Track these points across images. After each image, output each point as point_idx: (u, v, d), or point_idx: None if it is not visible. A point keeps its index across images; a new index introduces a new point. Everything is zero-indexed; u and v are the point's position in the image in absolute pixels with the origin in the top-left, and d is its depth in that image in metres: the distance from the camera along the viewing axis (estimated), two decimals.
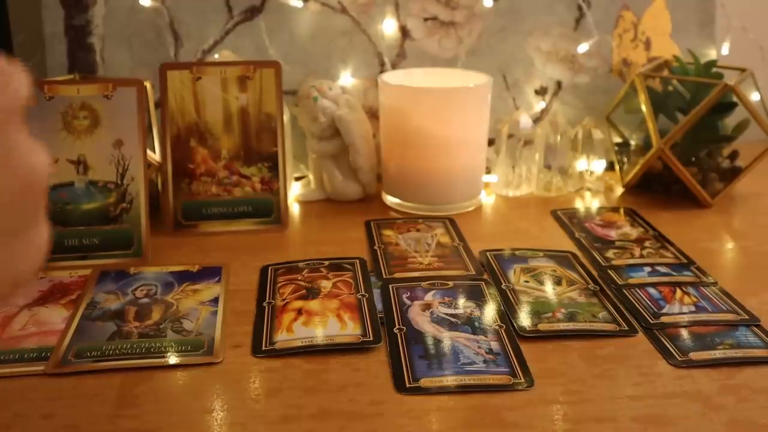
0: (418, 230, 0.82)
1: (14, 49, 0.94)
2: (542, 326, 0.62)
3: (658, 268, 0.73)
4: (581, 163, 0.94)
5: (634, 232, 0.82)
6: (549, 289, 0.68)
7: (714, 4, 1.04)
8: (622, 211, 0.88)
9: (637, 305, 0.66)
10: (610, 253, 0.76)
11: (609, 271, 0.73)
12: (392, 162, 0.88)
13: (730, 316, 0.64)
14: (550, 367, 0.57)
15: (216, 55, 0.92)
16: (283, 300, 0.66)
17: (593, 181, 0.94)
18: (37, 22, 0.91)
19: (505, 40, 0.99)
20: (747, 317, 0.64)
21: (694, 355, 0.58)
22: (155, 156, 0.83)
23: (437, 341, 0.59)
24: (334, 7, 0.95)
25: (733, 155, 0.94)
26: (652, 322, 0.63)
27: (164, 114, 0.81)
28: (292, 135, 0.90)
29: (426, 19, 0.97)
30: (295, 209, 0.89)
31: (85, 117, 0.75)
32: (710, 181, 0.91)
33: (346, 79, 0.96)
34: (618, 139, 0.99)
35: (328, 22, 0.95)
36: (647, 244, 0.79)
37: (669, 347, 0.59)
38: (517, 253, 0.76)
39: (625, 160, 0.97)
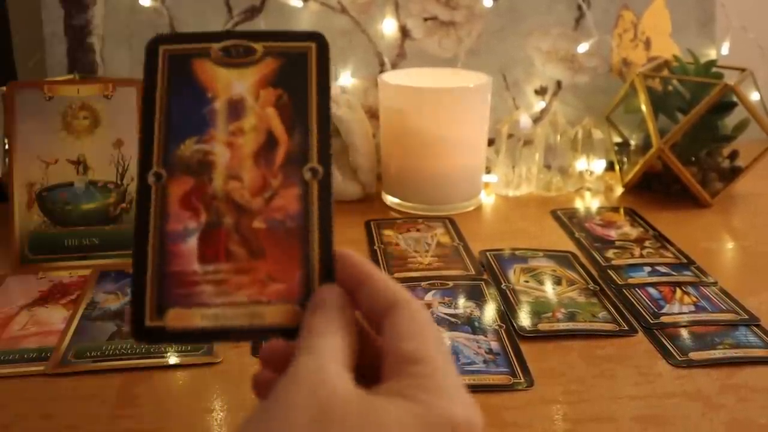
0: (418, 230, 0.82)
1: (14, 49, 0.94)
2: (542, 326, 0.62)
3: (658, 267, 0.73)
4: (581, 163, 0.94)
5: (633, 232, 0.82)
6: (549, 289, 0.68)
7: (714, 4, 1.04)
8: (621, 210, 0.88)
9: (637, 305, 0.66)
10: (610, 253, 0.76)
11: (609, 271, 0.73)
12: (392, 162, 0.88)
13: (729, 316, 0.64)
14: (550, 366, 0.57)
15: None
16: None
17: (593, 181, 0.94)
18: (36, 22, 0.91)
19: (504, 40, 0.99)
20: (747, 317, 0.64)
21: (694, 355, 0.58)
22: None
23: None
24: (334, 7, 0.95)
25: (733, 155, 0.94)
26: (651, 321, 0.63)
27: None
28: None
29: (426, 19, 0.97)
30: None
31: (85, 117, 0.75)
32: (710, 180, 0.91)
33: (346, 79, 0.96)
34: (618, 139, 0.99)
35: (328, 22, 0.95)
36: (647, 243, 0.79)
37: (669, 347, 0.59)
38: (517, 253, 0.76)
39: (625, 160, 0.97)
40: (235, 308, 0.35)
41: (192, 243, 0.36)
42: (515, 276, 0.71)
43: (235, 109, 0.38)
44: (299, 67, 0.39)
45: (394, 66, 0.97)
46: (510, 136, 0.91)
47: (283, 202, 0.36)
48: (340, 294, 0.34)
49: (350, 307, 0.34)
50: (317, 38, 0.39)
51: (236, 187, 0.37)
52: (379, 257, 0.75)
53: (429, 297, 0.66)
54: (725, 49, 1.04)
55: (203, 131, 0.38)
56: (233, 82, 0.38)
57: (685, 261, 0.75)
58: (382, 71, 0.96)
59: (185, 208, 0.36)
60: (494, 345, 0.59)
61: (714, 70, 0.93)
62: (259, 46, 0.39)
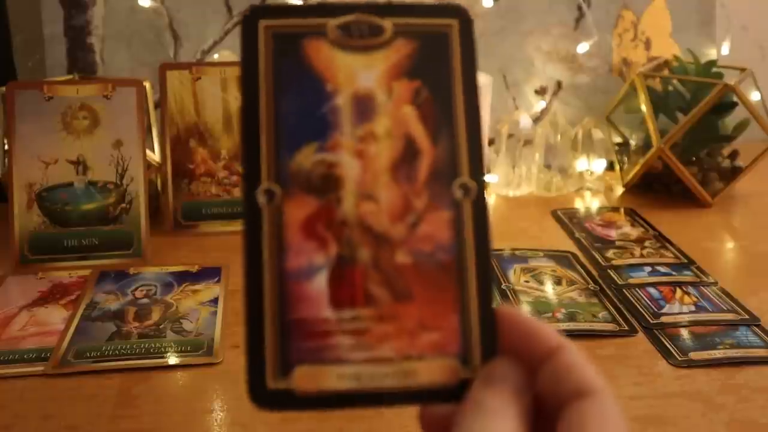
0: None
1: (14, 49, 0.94)
2: None
3: (659, 267, 0.73)
4: (581, 163, 0.94)
5: (634, 232, 0.82)
6: (549, 289, 0.68)
7: (714, 4, 1.04)
8: (622, 211, 0.88)
9: (637, 305, 0.66)
10: (610, 253, 0.76)
11: (609, 271, 0.72)
12: None
13: (730, 316, 0.64)
14: None
15: (216, 55, 0.92)
16: None
17: (593, 181, 0.94)
18: (36, 22, 0.91)
19: (505, 40, 0.99)
20: (747, 317, 0.64)
21: (694, 355, 0.58)
22: (155, 156, 0.83)
23: None
24: None
25: (733, 155, 0.94)
26: (652, 321, 0.63)
27: (164, 114, 0.81)
28: None
29: None
30: None
31: (85, 117, 0.75)
32: (710, 180, 0.91)
33: None
34: (618, 139, 0.99)
35: None
36: (647, 243, 0.79)
37: (669, 347, 0.59)
38: (517, 253, 0.76)
39: (625, 159, 0.97)
40: (381, 365, 0.28)
41: (320, 282, 0.29)
42: (515, 276, 0.71)
43: (364, 106, 0.30)
44: (439, 52, 0.31)
45: None
46: (510, 136, 0.91)
47: (431, 228, 0.29)
48: (521, 373, 0.28)
49: (530, 391, 0.28)
50: (460, 14, 0.31)
51: (372, 211, 0.29)
52: None
53: None
54: (725, 49, 1.04)
55: (325, 136, 0.29)
56: (358, 71, 0.30)
57: (685, 261, 0.75)
58: None
59: (308, 237, 0.29)
60: None
61: (714, 70, 0.93)
62: (387, 23, 0.30)
